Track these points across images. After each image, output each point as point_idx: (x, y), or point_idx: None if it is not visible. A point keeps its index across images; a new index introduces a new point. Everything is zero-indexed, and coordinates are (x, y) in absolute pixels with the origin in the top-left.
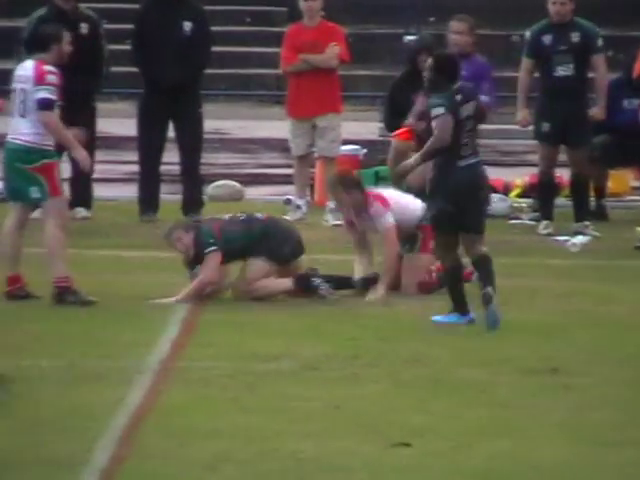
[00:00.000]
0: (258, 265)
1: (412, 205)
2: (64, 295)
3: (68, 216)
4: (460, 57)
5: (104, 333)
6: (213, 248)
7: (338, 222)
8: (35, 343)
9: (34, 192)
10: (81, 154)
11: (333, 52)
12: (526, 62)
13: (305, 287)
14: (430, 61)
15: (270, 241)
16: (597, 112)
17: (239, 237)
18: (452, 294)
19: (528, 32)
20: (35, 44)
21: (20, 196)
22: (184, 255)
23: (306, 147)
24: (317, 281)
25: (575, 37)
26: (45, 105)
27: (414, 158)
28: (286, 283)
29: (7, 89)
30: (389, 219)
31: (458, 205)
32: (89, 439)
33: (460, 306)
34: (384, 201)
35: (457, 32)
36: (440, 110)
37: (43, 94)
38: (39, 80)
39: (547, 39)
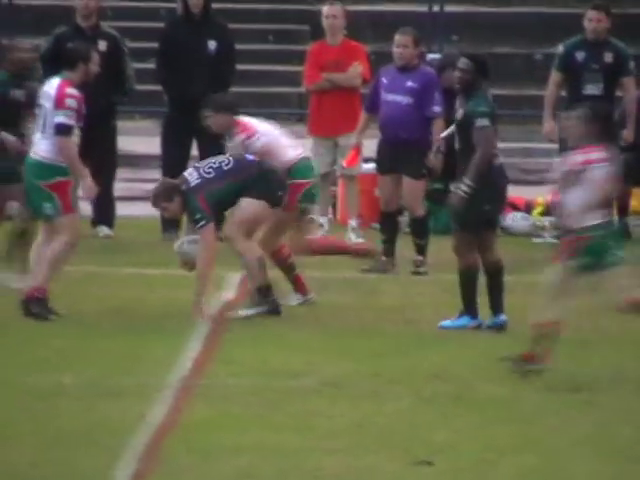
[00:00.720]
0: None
1: (287, 151)
2: (31, 304)
3: (79, 234)
4: (407, 70)
5: (126, 350)
6: (202, 223)
7: (361, 240)
8: (57, 359)
9: (47, 209)
10: (88, 184)
11: (356, 71)
12: (556, 75)
13: None
14: (467, 63)
15: (259, 185)
16: (626, 134)
17: (226, 192)
18: (466, 294)
19: (561, 46)
20: (63, 61)
21: (37, 212)
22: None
23: (328, 165)
24: None
25: (608, 57)
26: (61, 131)
27: (465, 184)
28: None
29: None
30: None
31: (494, 204)
32: (111, 456)
33: (471, 308)
34: (250, 131)
35: (402, 45)
36: (485, 122)
37: (61, 119)
38: (59, 103)
39: (580, 56)
